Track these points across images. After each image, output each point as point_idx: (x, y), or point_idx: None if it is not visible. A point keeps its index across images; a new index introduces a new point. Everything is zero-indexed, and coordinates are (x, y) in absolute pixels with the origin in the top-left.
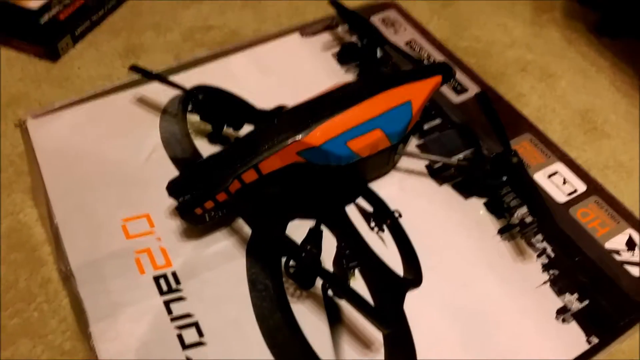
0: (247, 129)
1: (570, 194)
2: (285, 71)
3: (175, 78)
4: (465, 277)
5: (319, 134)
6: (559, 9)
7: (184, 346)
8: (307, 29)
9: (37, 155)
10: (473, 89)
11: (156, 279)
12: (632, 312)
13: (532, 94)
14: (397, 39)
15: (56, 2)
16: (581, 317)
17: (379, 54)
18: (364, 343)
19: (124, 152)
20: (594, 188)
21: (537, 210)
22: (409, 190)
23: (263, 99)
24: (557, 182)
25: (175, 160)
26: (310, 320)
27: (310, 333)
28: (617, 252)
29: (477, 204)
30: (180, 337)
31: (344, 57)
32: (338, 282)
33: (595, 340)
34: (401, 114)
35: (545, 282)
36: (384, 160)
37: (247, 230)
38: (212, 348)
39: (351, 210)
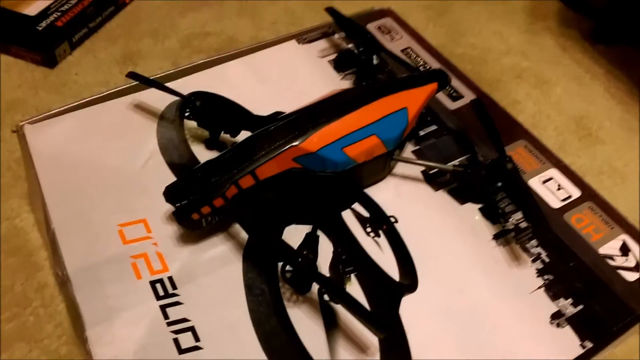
0: (244, 135)
1: (564, 199)
2: (282, 78)
3: (172, 84)
4: (460, 282)
5: (316, 140)
6: (553, 17)
7: (180, 351)
8: (304, 36)
9: (34, 161)
10: (468, 96)
11: (153, 284)
12: (625, 316)
13: (527, 100)
14: (393, 46)
15: (54, 9)
16: (575, 322)
17: (375, 61)
18: (360, 347)
19: (121, 158)
20: (588, 194)
21: (532, 215)
22: (405, 195)
23: (260, 106)
24: (551, 188)
25: (172, 166)
26: (306, 324)
27: (307, 337)
28: (611, 258)
29: (472, 210)
30: (176, 341)
31: (340, 64)
32: (334, 287)
33: (589, 344)
34: (397, 120)
35: (540, 287)
36: (380, 166)
37: (244, 235)
38: (208, 352)
39: (347, 216)
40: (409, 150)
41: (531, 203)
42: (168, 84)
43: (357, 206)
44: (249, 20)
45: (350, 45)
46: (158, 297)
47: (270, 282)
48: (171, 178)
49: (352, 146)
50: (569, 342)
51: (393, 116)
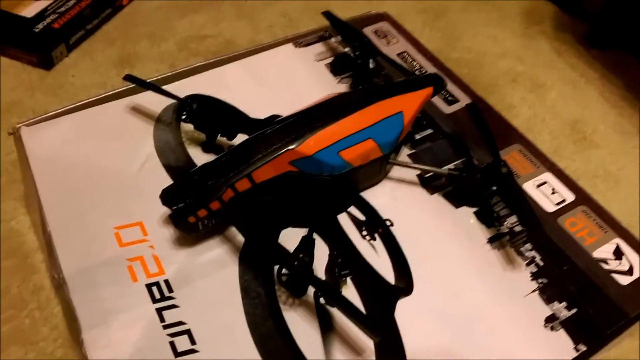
0: (240, 138)
1: (558, 203)
2: (279, 81)
3: (169, 87)
4: (455, 285)
5: (312, 144)
6: (548, 21)
7: (176, 354)
8: (301, 40)
9: (30, 163)
10: (464, 100)
11: (149, 287)
12: (619, 320)
13: (522, 104)
14: (389, 50)
15: (51, 10)
16: (569, 325)
17: (371, 65)
18: (356, 350)
19: (117, 160)
20: (582, 198)
21: (527, 219)
22: (400, 199)
23: (257, 109)
24: (546, 192)
25: (169, 169)
26: (302, 327)
27: (302, 340)
28: (605, 261)
29: (467, 213)
30: (172, 344)
31: (337, 67)
32: (330, 290)
33: (583, 347)
34: (393, 124)
35: (534, 291)
36: (376, 170)
37: (240, 238)
38: (204, 355)
39: (343, 219)
40: (404, 154)
41: (525, 207)
42: (165, 87)
43: (353, 209)
44: (246, 24)
45: (346, 49)
46: (154, 300)
47: (267, 285)
48: (168, 181)
49: (348, 150)
50: (562, 345)
51: (389, 120)
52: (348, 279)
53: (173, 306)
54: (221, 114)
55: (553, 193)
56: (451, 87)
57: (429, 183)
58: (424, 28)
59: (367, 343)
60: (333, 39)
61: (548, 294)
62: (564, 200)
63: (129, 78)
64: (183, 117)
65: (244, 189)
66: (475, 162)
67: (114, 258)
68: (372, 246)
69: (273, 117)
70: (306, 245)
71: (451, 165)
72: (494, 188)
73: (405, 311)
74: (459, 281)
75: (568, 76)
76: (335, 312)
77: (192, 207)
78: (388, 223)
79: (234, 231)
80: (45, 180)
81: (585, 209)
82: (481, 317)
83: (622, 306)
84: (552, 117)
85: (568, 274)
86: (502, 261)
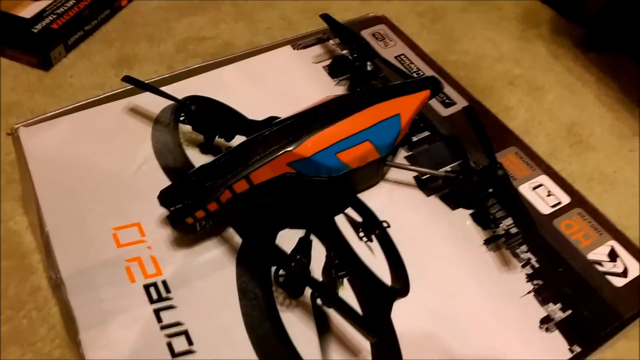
0: (238, 139)
1: (554, 205)
2: (277, 83)
3: (167, 88)
4: (451, 286)
5: (310, 146)
6: (546, 24)
7: (174, 354)
8: (299, 42)
9: (28, 164)
10: (461, 103)
11: (146, 288)
12: (613, 321)
13: (519, 107)
14: (387, 53)
15: (50, 11)
16: (564, 327)
17: (369, 67)
18: (352, 351)
19: (115, 161)
20: (578, 200)
21: (522, 221)
22: (397, 201)
23: (255, 110)
24: (541, 194)
25: (167, 170)
26: (299, 328)
27: (299, 341)
28: (600, 263)
29: (463, 215)
30: (169, 345)
31: (335, 70)
32: (327, 291)
33: (577, 349)
34: (390, 126)
35: (529, 292)
36: (373, 172)
37: (238, 239)
38: (202, 356)
39: (340, 221)
40: (401, 156)
41: (521, 209)
42: (163, 88)
43: (350, 211)
44: (244, 25)
45: (344, 52)
46: (152, 301)
47: (264, 286)
48: (166, 182)
49: (345, 152)
50: (557, 346)
51: (386, 122)
52: (345, 280)
53: (170, 307)
54: (219, 116)
55: (549, 195)
56: (448, 89)
57: (425, 185)
58: (422, 30)
59: (364, 344)
60: (331, 42)
61: (543, 296)
62: (559, 203)
63: (127, 79)
64: (181, 118)
65: (242, 191)
66: (471, 164)
67: (111, 259)
68: (369, 247)
69: (271, 119)
70: (303, 246)
71: (448, 168)
72: (490, 190)
73: (401, 312)
74: (455, 282)
75: (565, 79)
76: (332, 313)
77: (190, 208)
78: (385, 224)
79: (231, 232)
80: (43, 181)
81: (580, 211)
82: (477, 318)
83: (617, 308)
84: (548, 120)
85: (563, 275)
86: (497, 263)
